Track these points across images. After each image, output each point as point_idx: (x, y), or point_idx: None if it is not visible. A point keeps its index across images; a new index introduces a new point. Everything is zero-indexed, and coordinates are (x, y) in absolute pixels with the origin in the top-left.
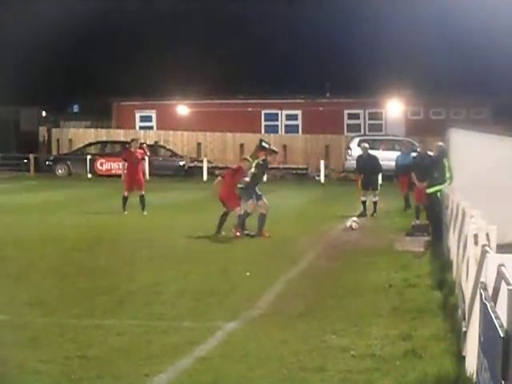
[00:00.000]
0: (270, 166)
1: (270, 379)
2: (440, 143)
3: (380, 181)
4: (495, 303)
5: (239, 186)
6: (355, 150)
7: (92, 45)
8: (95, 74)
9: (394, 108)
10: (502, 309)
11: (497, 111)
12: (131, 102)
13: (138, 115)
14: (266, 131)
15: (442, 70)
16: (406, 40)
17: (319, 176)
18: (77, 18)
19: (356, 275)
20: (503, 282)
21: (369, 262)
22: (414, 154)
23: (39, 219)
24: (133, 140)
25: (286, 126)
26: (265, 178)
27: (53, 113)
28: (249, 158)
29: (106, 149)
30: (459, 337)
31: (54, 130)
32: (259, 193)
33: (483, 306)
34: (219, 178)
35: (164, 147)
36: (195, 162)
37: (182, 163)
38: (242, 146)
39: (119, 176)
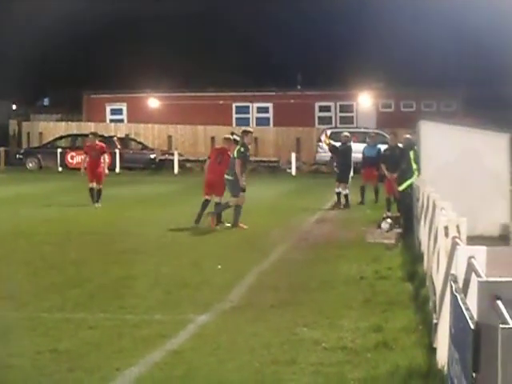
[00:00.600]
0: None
1: (241, 372)
2: (407, 135)
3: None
4: (465, 295)
5: (227, 177)
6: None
7: (62, 38)
8: (66, 67)
9: (365, 100)
10: (472, 301)
11: (467, 103)
12: (102, 94)
13: (108, 108)
14: (237, 124)
15: (412, 63)
16: (378, 33)
17: (290, 168)
18: (47, 10)
19: (327, 267)
20: (473, 274)
21: (340, 255)
22: (381, 146)
23: (10, 213)
24: (92, 134)
25: (257, 118)
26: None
27: (23, 106)
28: (229, 135)
29: (76, 142)
30: (430, 329)
31: (24, 123)
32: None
33: (454, 298)
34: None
35: (135, 140)
36: (166, 155)
37: (152, 156)
38: (213, 138)
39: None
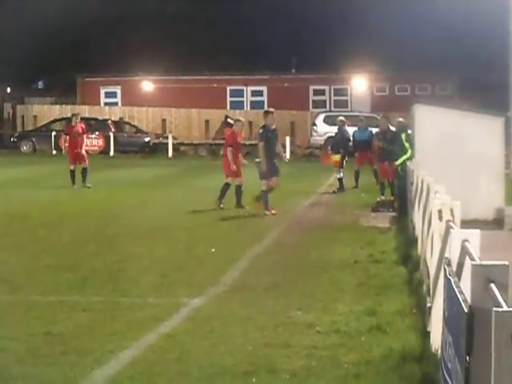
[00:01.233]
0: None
1: (234, 355)
2: (400, 119)
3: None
4: (459, 278)
5: (256, 160)
6: (320, 126)
7: (57, 21)
8: (60, 50)
9: (360, 84)
10: (465, 284)
11: (462, 87)
12: (96, 78)
13: (102, 91)
14: (231, 107)
15: (407, 46)
16: (372, 16)
17: (284, 152)
18: None
19: (321, 251)
20: (467, 258)
21: (334, 238)
22: (374, 130)
23: (3, 196)
24: (73, 115)
25: (251, 102)
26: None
27: (17, 89)
28: (229, 120)
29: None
30: (424, 312)
31: (18, 106)
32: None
33: (447, 282)
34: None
35: (129, 123)
36: (160, 139)
37: (147, 139)
38: (207, 122)
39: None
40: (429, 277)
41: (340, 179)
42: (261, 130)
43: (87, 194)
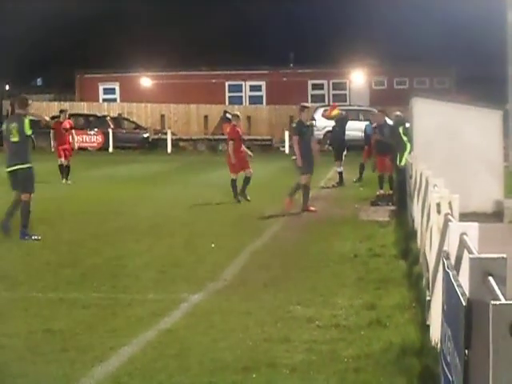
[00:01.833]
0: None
1: (234, 350)
2: (397, 112)
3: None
4: (458, 272)
5: (293, 157)
6: (319, 121)
7: (55, 18)
8: (58, 47)
9: (358, 78)
10: (464, 277)
11: (460, 80)
12: (94, 74)
13: (101, 88)
14: (230, 102)
15: (405, 40)
16: (370, 11)
17: (284, 147)
18: None
19: (321, 245)
20: (465, 251)
21: (334, 232)
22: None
23: (2, 192)
24: (61, 111)
25: (250, 97)
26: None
27: (16, 86)
28: (228, 115)
29: None
30: (424, 306)
31: None
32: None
33: (446, 275)
34: None
35: (128, 119)
36: (159, 134)
37: (145, 135)
38: (206, 117)
39: (84, 149)
40: (428, 270)
41: (340, 173)
42: (295, 124)
43: (87, 190)
